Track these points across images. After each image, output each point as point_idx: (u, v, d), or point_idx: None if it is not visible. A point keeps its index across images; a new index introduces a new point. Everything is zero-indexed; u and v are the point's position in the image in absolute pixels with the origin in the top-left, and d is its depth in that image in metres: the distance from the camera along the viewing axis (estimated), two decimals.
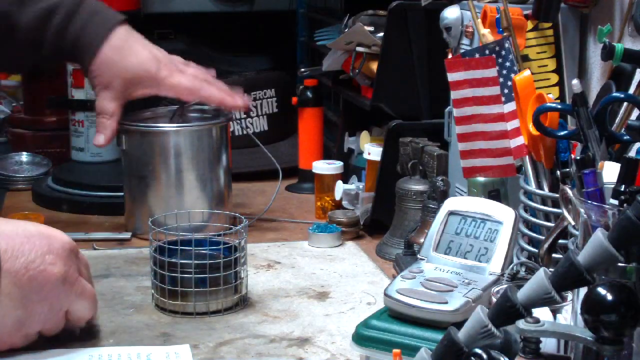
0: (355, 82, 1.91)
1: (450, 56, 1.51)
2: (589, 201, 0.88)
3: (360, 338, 1.09)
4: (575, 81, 1.11)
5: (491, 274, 1.12)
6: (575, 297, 0.88)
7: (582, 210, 0.87)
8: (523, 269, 1.12)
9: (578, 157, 0.95)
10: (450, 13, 1.53)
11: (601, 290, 0.74)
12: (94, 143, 1.58)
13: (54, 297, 1.01)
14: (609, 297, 0.74)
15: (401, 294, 1.09)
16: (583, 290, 0.78)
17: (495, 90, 1.30)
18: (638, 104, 1.13)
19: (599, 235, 0.74)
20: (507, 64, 1.30)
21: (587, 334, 0.77)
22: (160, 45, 1.60)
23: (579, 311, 0.78)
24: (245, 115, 2.09)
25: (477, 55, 1.32)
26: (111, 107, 1.54)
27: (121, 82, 1.52)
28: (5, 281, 0.93)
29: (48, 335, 1.10)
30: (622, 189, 0.86)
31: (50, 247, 1.01)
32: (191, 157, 1.63)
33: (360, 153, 1.86)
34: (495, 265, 1.13)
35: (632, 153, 1.12)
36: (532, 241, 1.23)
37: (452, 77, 1.34)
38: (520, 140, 1.24)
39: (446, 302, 1.07)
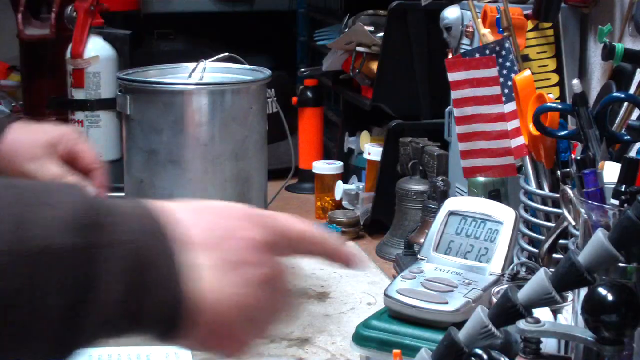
0: (355, 82, 1.91)
1: (450, 56, 1.51)
2: (590, 201, 0.88)
3: (361, 338, 1.08)
4: (575, 81, 1.11)
5: (491, 274, 1.12)
6: (576, 298, 0.88)
7: (582, 211, 0.87)
8: (523, 269, 1.12)
9: (578, 157, 0.95)
10: (451, 13, 1.53)
11: (602, 291, 0.74)
12: None
13: (262, 264, 0.77)
14: (610, 297, 0.74)
15: (401, 294, 1.09)
16: (584, 291, 0.77)
17: (495, 90, 1.30)
18: (638, 104, 1.13)
19: (600, 236, 0.73)
20: (508, 63, 1.30)
21: (587, 334, 0.76)
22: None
23: (579, 311, 0.78)
24: None
25: (477, 55, 1.32)
26: (53, 169, 1.17)
27: (42, 149, 1.17)
28: (202, 255, 0.71)
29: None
30: (623, 189, 0.86)
31: (239, 214, 0.78)
32: (219, 125, 1.27)
33: (360, 153, 1.86)
34: (495, 265, 1.12)
35: (632, 153, 1.12)
36: (532, 241, 1.23)
37: (452, 77, 1.34)
38: (521, 140, 1.24)
39: (446, 303, 1.07)
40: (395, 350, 0.99)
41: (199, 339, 0.71)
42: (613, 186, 0.87)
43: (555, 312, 0.96)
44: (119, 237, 0.66)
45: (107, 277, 0.64)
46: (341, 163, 1.86)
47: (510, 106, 1.28)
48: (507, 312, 0.76)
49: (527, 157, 1.23)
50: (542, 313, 0.93)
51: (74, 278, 0.63)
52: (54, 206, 0.64)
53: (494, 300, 1.02)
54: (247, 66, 1.51)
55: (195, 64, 1.39)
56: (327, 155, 2.03)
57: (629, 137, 1.10)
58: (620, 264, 0.78)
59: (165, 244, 0.68)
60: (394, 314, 1.09)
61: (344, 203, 1.77)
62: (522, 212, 1.23)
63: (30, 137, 1.18)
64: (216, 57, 1.41)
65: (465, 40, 1.49)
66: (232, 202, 0.78)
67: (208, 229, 0.73)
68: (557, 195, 1.07)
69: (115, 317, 0.65)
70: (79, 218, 0.64)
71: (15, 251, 0.61)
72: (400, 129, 1.67)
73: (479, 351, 0.76)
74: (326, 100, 2.17)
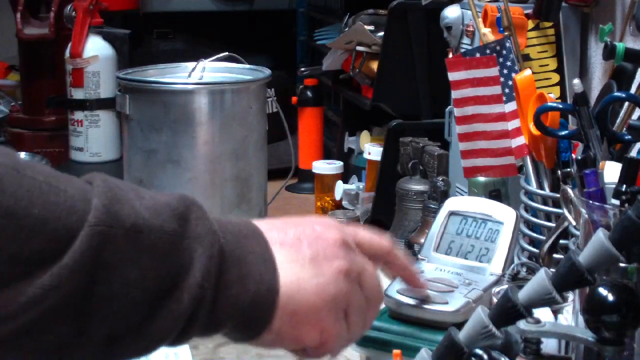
0: (356, 81, 1.90)
1: (450, 55, 1.50)
2: (590, 201, 0.88)
3: (361, 338, 1.08)
4: (576, 80, 1.11)
5: (492, 275, 1.12)
6: (577, 298, 0.87)
7: (583, 211, 0.87)
8: (524, 269, 1.12)
9: (579, 157, 0.95)
10: (451, 12, 1.52)
11: (602, 291, 0.74)
12: None
13: (341, 257, 0.77)
14: (610, 297, 0.73)
15: (401, 294, 1.09)
16: (584, 291, 0.77)
17: (496, 89, 1.30)
18: (639, 104, 1.13)
19: (600, 236, 0.73)
20: (508, 63, 1.29)
21: (588, 334, 0.76)
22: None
23: (580, 311, 0.77)
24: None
25: (477, 55, 1.31)
26: None
27: None
28: (282, 252, 0.74)
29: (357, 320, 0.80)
30: (623, 189, 0.85)
31: (316, 221, 0.79)
32: (220, 125, 1.26)
33: (361, 153, 1.86)
34: (496, 265, 1.12)
35: (633, 153, 1.12)
36: (533, 241, 1.23)
37: (452, 76, 1.34)
38: (521, 140, 1.23)
39: (447, 303, 1.07)
40: (396, 351, 0.99)
41: (282, 333, 0.72)
42: (614, 186, 0.87)
43: (555, 313, 0.96)
44: (210, 230, 0.67)
45: (198, 266, 0.66)
46: (341, 163, 1.86)
47: (511, 106, 1.28)
48: (507, 312, 0.76)
49: (528, 157, 1.23)
50: (543, 313, 0.92)
51: (166, 261, 0.64)
52: (145, 196, 0.66)
53: (495, 300, 1.02)
54: (247, 66, 1.51)
55: (195, 63, 1.39)
56: (327, 155, 2.03)
57: (629, 136, 1.09)
58: (621, 264, 0.78)
59: (253, 241, 0.71)
60: (394, 314, 1.09)
61: (344, 203, 1.77)
62: (523, 212, 1.23)
63: None
64: (216, 56, 1.41)
65: (466, 40, 1.49)
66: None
67: (283, 231, 0.75)
68: (558, 195, 1.06)
69: (200, 309, 0.66)
70: (172, 208, 0.66)
71: (108, 224, 0.62)
72: (401, 128, 1.67)
73: (479, 351, 0.76)
74: (326, 100, 2.17)
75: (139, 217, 0.64)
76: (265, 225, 0.75)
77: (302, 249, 0.75)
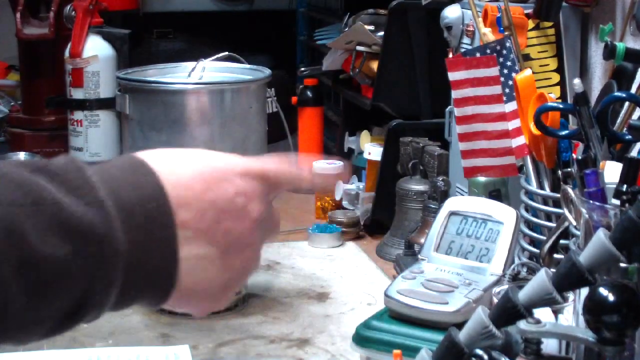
0: (356, 81, 1.90)
1: (451, 55, 1.50)
2: (591, 201, 0.87)
3: (361, 339, 1.08)
4: (576, 80, 1.11)
5: (492, 275, 1.11)
6: (577, 298, 0.87)
7: (583, 210, 0.87)
8: (524, 269, 1.12)
9: (579, 157, 0.95)
10: (451, 12, 1.52)
11: (603, 291, 0.74)
12: None
13: (252, 245, 0.75)
14: (611, 297, 0.73)
15: (401, 294, 1.09)
16: (585, 291, 0.77)
17: (496, 89, 1.30)
18: (639, 104, 1.13)
19: (601, 236, 0.73)
20: (508, 63, 1.29)
21: (588, 334, 0.76)
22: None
23: (580, 312, 0.77)
24: None
25: (478, 55, 1.31)
26: None
27: None
28: (191, 244, 0.69)
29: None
30: (624, 189, 0.85)
31: (239, 187, 0.72)
32: (220, 125, 1.26)
33: (361, 153, 1.86)
34: (496, 265, 1.12)
35: (633, 153, 1.12)
36: (533, 241, 1.23)
37: (453, 76, 1.33)
38: (522, 139, 1.23)
39: (447, 303, 1.07)
40: (396, 351, 0.99)
41: (179, 307, 0.73)
42: (614, 186, 0.87)
43: (556, 313, 0.96)
44: (112, 248, 0.64)
45: (104, 283, 0.64)
46: (341, 163, 1.86)
47: (511, 106, 1.28)
48: (507, 312, 0.76)
49: (528, 156, 1.23)
50: (543, 313, 0.92)
51: (64, 290, 0.62)
52: (46, 210, 0.61)
53: (495, 300, 1.02)
54: (247, 65, 1.51)
55: (195, 63, 1.39)
56: (327, 155, 2.03)
57: (630, 136, 1.09)
58: (622, 264, 0.78)
59: (160, 234, 0.67)
60: (394, 314, 1.09)
61: (344, 203, 1.77)
62: (523, 212, 1.23)
63: None
64: (216, 56, 1.40)
65: (466, 40, 1.49)
66: (228, 161, 0.73)
67: (200, 210, 0.70)
68: (558, 195, 1.06)
69: (108, 308, 0.66)
70: (69, 229, 0.62)
71: (6, 262, 0.59)
72: (401, 128, 1.67)
73: (479, 352, 0.76)
74: (326, 100, 2.17)
75: (32, 247, 0.60)
76: (180, 196, 0.68)
77: (214, 238, 0.70)
